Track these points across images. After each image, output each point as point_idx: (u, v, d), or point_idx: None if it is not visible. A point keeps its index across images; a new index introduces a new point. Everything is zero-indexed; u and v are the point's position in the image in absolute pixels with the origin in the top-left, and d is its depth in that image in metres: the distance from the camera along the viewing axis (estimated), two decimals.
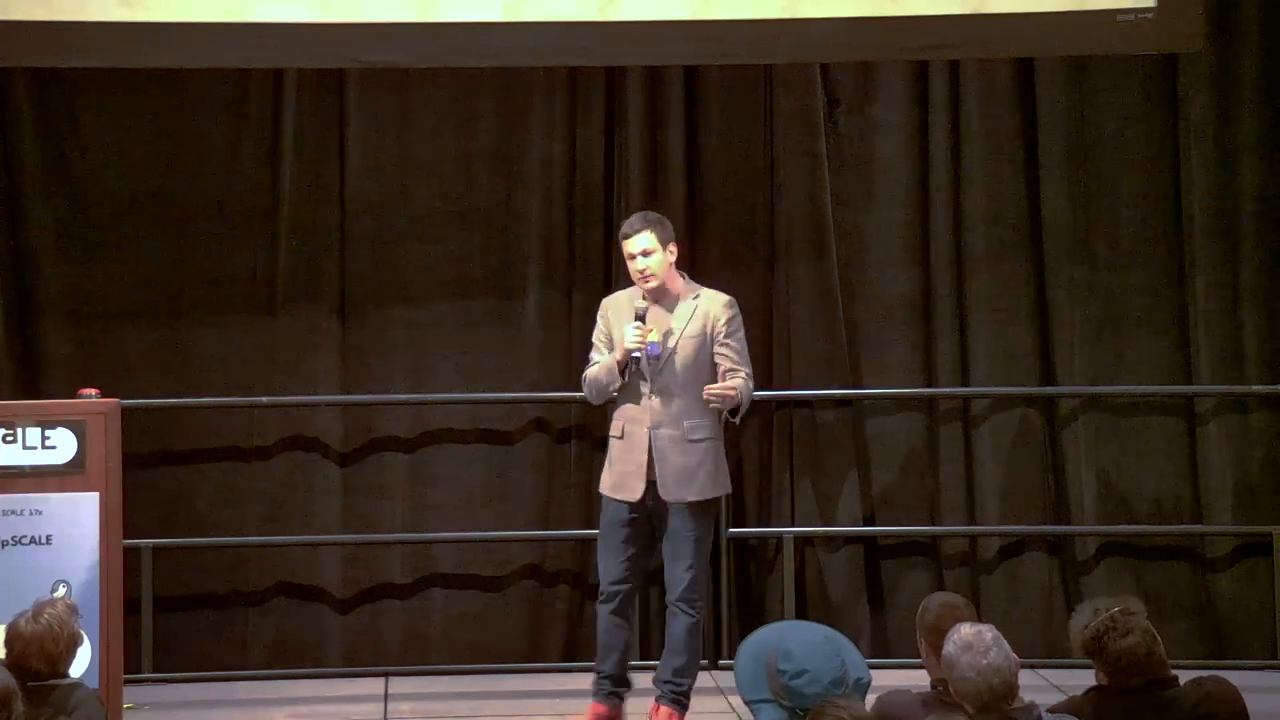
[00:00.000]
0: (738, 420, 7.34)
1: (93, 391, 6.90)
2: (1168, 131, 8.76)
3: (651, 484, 7.12)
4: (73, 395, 7.00)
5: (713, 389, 7.06)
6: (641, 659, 8.19)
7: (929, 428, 8.77)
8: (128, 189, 8.55)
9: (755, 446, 8.71)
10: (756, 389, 7.57)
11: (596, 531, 7.42)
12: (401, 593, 8.60)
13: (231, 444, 8.57)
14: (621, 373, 7.14)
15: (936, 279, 8.75)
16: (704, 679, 7.56)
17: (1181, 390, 8.74)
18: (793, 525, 8.62)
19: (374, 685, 8.20)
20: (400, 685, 8.20)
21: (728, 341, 7.17)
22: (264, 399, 8.50)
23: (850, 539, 8.68)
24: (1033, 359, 8.78)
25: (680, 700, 7.21)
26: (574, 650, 8.45)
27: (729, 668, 7.13)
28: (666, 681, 7.20)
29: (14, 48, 7.97)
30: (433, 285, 8.67)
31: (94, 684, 6.39)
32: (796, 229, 8.73)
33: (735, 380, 7.11)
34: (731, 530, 8.47)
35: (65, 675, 5.64)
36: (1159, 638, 5.10)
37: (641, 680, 7.49)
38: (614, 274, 8.36)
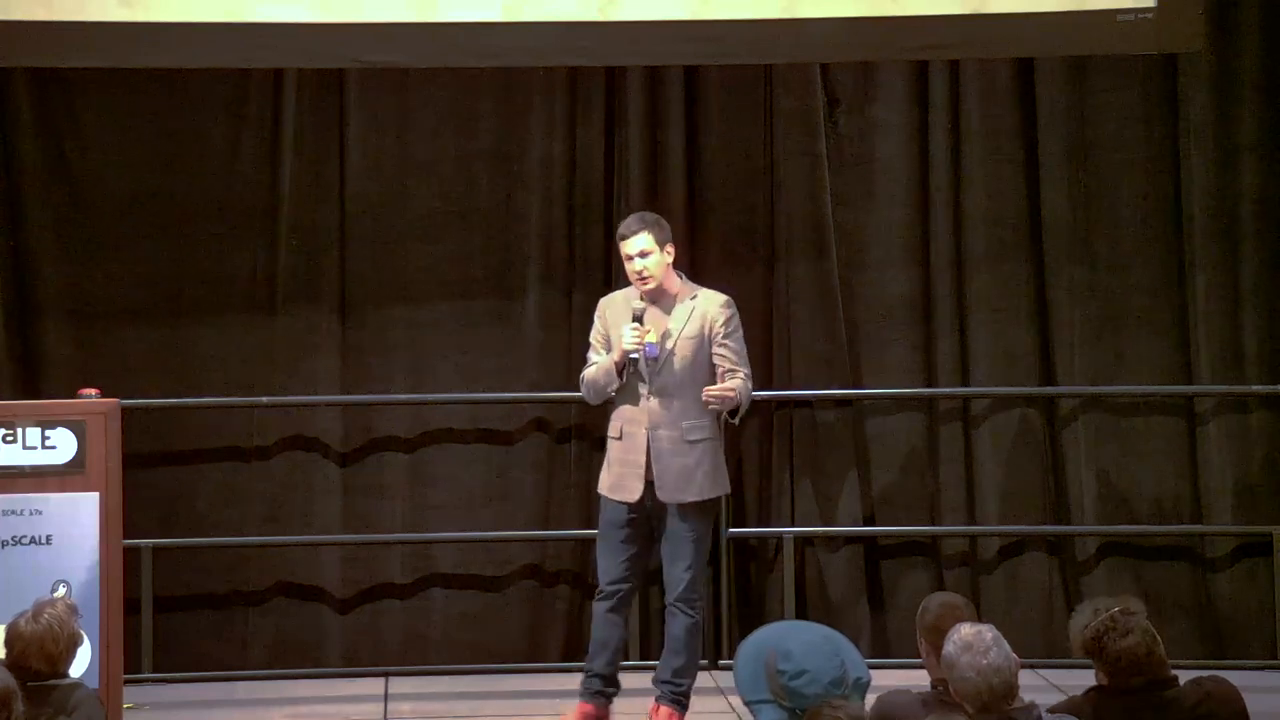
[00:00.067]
0: (737, 421, 7.34)
1: (93, 391, 6.90)
2: (1168, 131, 8.76)
3: (650, 485, 7.12)
4: (73, 395, 7.00)
5: (711, 391, 7.06)
6: (641, 659, 8.21)
7: (929, 428, 8.77)
8: (128, 189, 8.55)
9: (755, 446, 8.71)
10: (756, 389, 7.58)
11: (596, 532, 7.42)
12: (401, 593, 8.60)
13: (231, 444, 8.57)
14: (619, 374, 7.14)
15: (936, 279, 8.75)
16: (704, 679, 7.57)
17: (1181, 390, 8.74)
18: (793, 525, 8.63)
19: (374, 685, 8.20)
20: (400, 685, 8.20)
21: (726, 342, 7.17)
22: (264, 399, 8.50)
23: (850, 539, 8.68)
24: (1033, 359, 8.78)
25: (680, 700, 7.21)
26: (574, 650, 8.44)
27: (729, 668, 7.13)
28: (666, 682, 7.20)
29: (14, 48, 7.97)
30: (433, 285, 8.67)
31: (94, 684, 6.39)
32: (796, 229, 8.73)
33: (734, 381, 7.11)
34: (731, 530, 8.47)
35: (65, 675, 5.63)
36: (1159, 638, 5.10)
37: (641, 680, 7.49)
38: (614, 274, 8.36)
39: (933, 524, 8.74)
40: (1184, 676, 5.17)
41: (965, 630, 4.72)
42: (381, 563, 8.61)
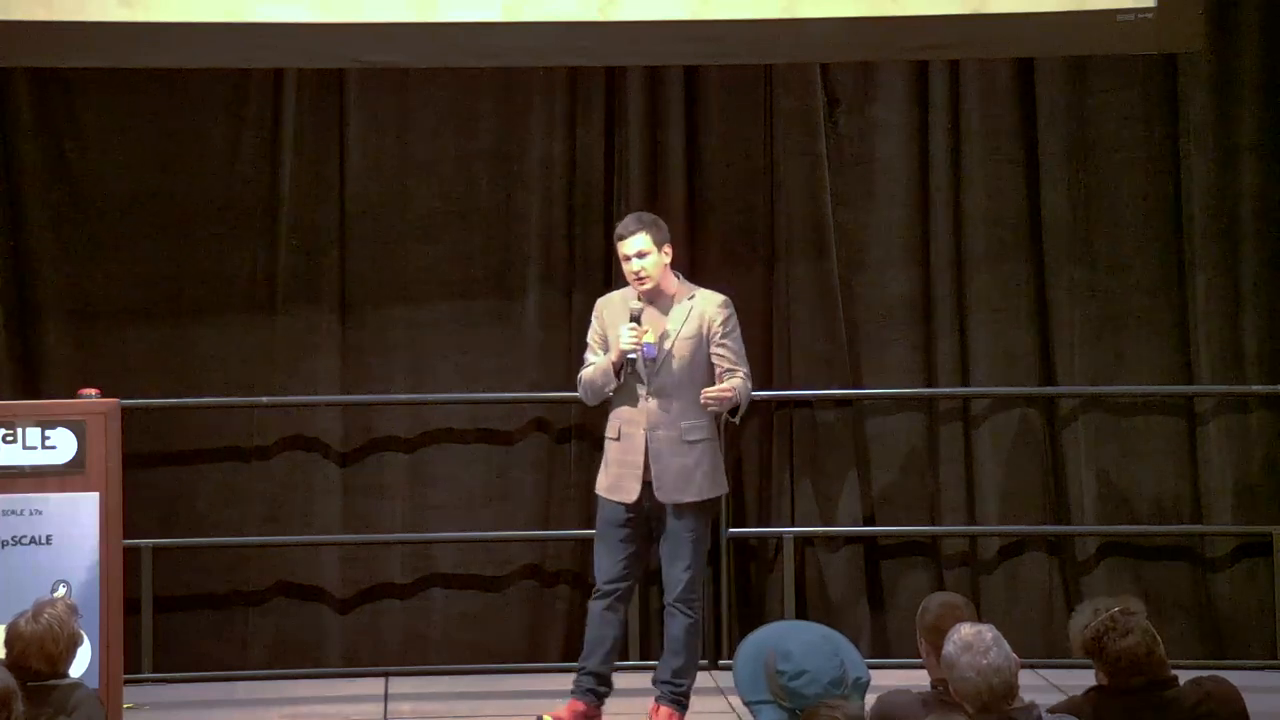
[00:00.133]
0: (738, 420, 7.34)
1: (93, 391, 6.90)
2: (1168, 131, 8.76)
3: (648, 485, 7.11)
4: (73, 395, 6.99)
5: (709, 392, 7.06)
6: (641, 659, 8.21)
7: (929, 428, 8.77)
8: (128, 189, 8.55)
9: (755, 446, 8.71)
10: (756, 389, 7.58)
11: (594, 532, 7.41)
12: (401, 593, 8.60)
13: (231, 444, 8.57)
14: (617, 374, 7.14)
15: (936, 279, 8.75)
16: (704, 679, 7.57)
17: (1181, 390, 8.74)
18: (793, 525, 8.62)
19: (374, 685, 8.20)
20: (400, 685, 8.20)
21: (724, 342, 7.17)
22: (264, 399, 8.50)
23: (850, 539, 8.68)
24: (1033, 359, 8.78)
25: (680, 700, 7.21)
26: (574, 650, 8.40)
27: (729, 668, 7.10)
28: (666, 682, 7.20)
29: (14, 48, 7.97)
30: (433, 285, 8.67)
31: (94, 684, 6.38)
32: (796, 229, 8.73)
33: (733, 381, 7.11)
34: (731, 530, 8.47)
35: (65, 675, 5.63)
36: (1159, 638, 5.10)
37: (641, 680, 7.49)
38: (614, 274, 8.35)
39: (933, 524, 8.73)
40: (1184, 676, 5.17)
41: (965, 630, 4.72)
42: (381, 563, 8.61)
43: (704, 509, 7.21)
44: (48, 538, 6.70)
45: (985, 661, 4.64)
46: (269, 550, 8.54)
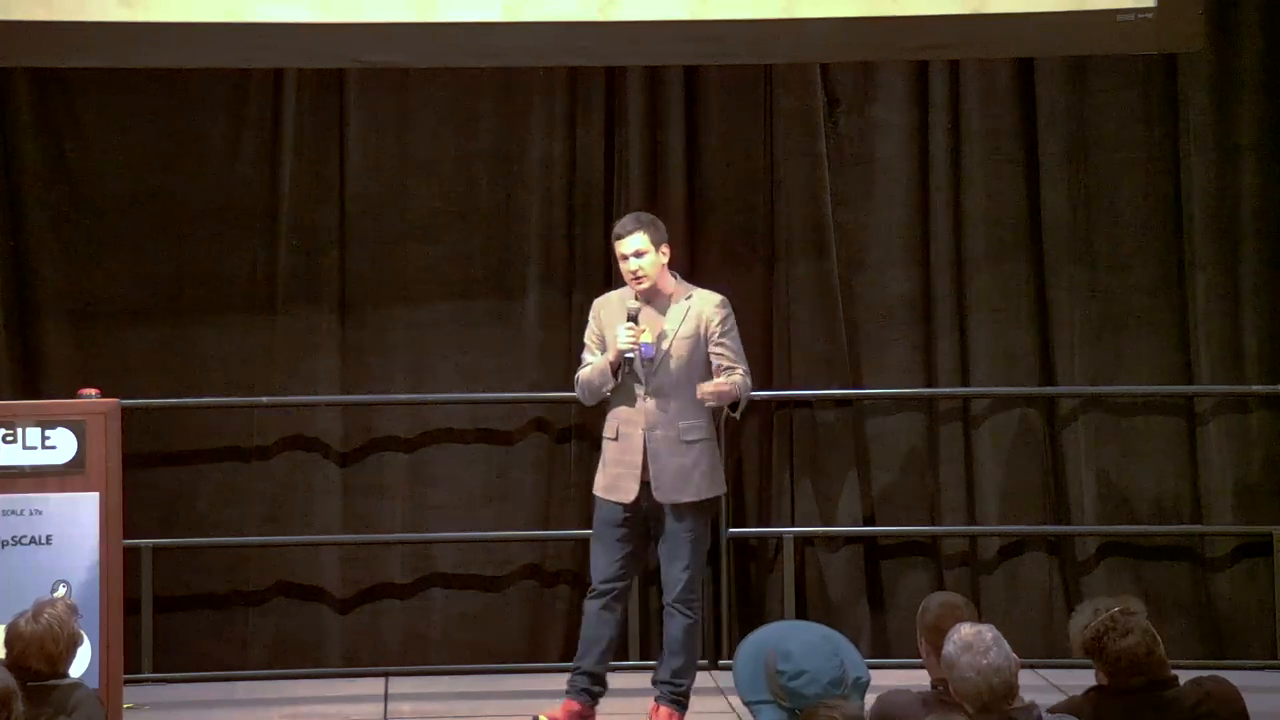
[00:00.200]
0: (739, 415, 7.33)
1: (93, 391, 6.90)
2: (1168, 131, 8.76)
3: (646, 485, 7.11)
4: (73, 395, 7.00)
5: (705, 387, 7.05)
6: (641, 659, 8.21)
7: (929, 428, 8.77)
8: (128, 189, 8.55)
9: (755, 446, 8.71)
10: (756, 389, 7.59)
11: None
12: (401, 593, 8.60)
13: (231, 444, 8.57)
14: (614, 374, 7.14)
15: (936, 279, 8.75)
16: (704, 679, 7.57)
17: (1181, 390, 8.74)
18: (793, 525, 8.62)
19: (374, 685, 8.20)
20: (400, 685, 8.20)
21: (723, 341, 7.17)
22: (264, 399, 8.50)
23: (850, 539, 8.68)
24: (1033, 359, 8.78)
25: (679, 700, 7.20)
26: (574, 650, 8.38)
27: (729, 668, 7.11)
28: (665, 682, 7.20)
29: (14, 48, 7.97)
30: (433, 285, 8.67)
31: (94, 684, 6.39)
32: (796, 229, 8.73)
33: (732, 377, 7.11)
34: (731, 530, 8.47)
35: (65, 675, 5.63)
36: (1159, 638, 5.10)
37: (641, 680, 7.49)
38: (614, 274, 8.33)
39: (933, 524, 8.73)
40: (1184, 676, 5.17)
41: (965, 630, 4.72)
42: (381, 563, 8.61)
43: (702, 509, 7.20)
44: (48, 538, 6.70)
45: (985, 661, 4.64)
46: (269, 550, 8.54)
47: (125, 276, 8.55)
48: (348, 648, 8.55)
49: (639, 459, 7.11)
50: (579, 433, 8.57)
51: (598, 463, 7.36)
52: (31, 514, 6.69)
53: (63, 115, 8.53)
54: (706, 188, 8.74)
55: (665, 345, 7.12)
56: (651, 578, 7.84)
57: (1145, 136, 8.77)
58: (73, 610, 5.70)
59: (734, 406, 7.20)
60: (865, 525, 8.70)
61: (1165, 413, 8.77)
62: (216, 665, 8.40)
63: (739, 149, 8.74)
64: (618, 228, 7.27)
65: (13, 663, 5.47)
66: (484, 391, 8.61)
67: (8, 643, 5.63)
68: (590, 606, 7.25)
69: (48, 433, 6.71)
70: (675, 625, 7.17)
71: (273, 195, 8.60)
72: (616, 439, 7.19)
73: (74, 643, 5.66)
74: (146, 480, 8.22)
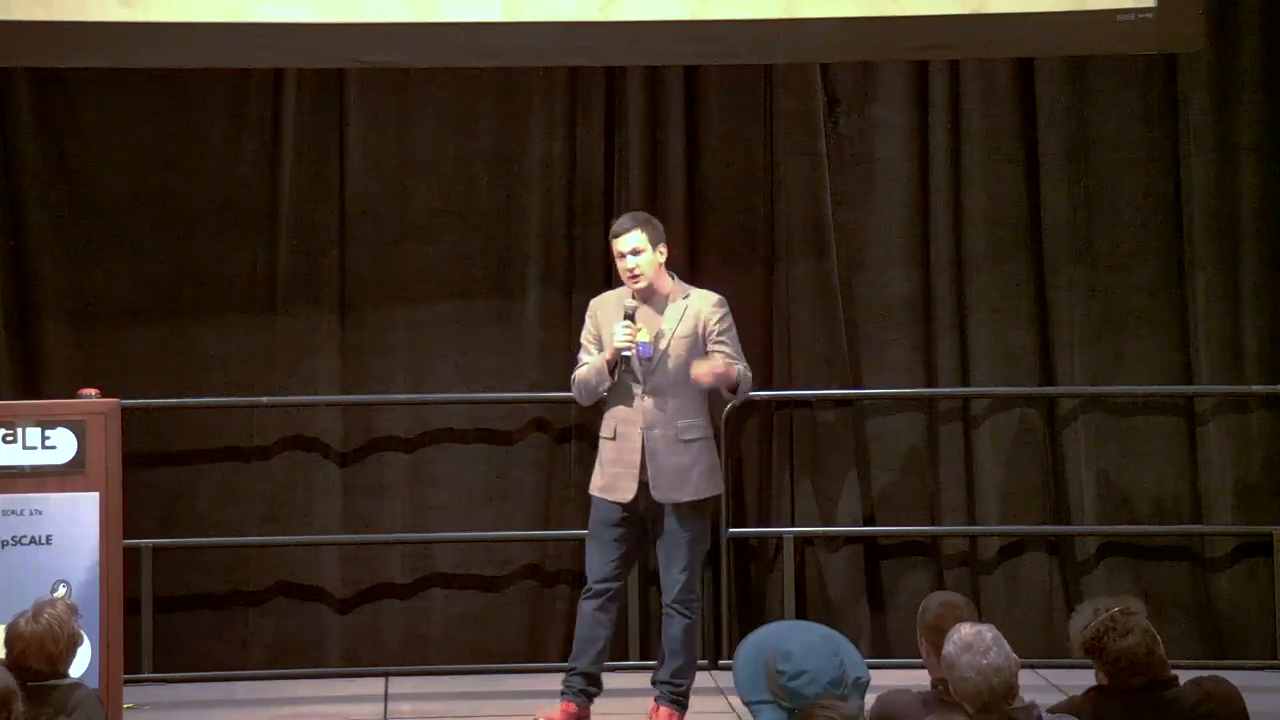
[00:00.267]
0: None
1: (93, 391, 6.90)
2: (1168, 131, 8.76)
3: (644, 485, 7.11)
4: (73, 395, 7.00)
5: (701, 364, 7.03)
6: (641, 659, 8.21)
7: (929, 428, 8.77)
8: (128, 189, 8.56)
9: (755, 446, 8.71)
10: (756, 389, 7.59)
11: None
12: (401, 593, 8.60)
13: (231, 444, 8.57)
14: (611, 372, 7.13)
15: (936, 279, 8.75)
16: (704, 679, 7.56)
17: (1181, 390, 8.74)
18: (793, 525, 8.62)
19: (374, 685, 8.20)
20: (400, 685, 8.20)
21: (722, 339, 7.17)
22: (264, 399, 8.50)
23: (850, 539, 8.68)
24: (1033, 359, 8.78)
25: (679, 701, 7.20)
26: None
27: (729, 668, 7.13)
28: (665, 683, 7.20)
29: (14, 48, 7.97)
30: (433, 285, 8.67)
31: (94, 684, 6.39)
32: (796, 229, 8.73)
33: (736, 367, 7.10)
34: (731, 530, 8.47)
35: (65, 675, 5.64)
36: (1159, 638, 5.10)
37: (641, 680, 7.49)
38: (614, 274, 8.34)
39: (933, 524, 8.73)
40: (1184, 676, 5.17)
41: (965, 630, 4.72)
42: (381, 563, 8.61)
43: (700, 509, 7.20)
44: (48, 538, 6.70)
45: (985, 661, 4.64)
46: (269, 550, 8.54)
47: (125, 276, 8.55)
48: (348, 648, 8.55)
49: (637, 458, 7.11)
50: (579, 433, 8.57)
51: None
52: (31, 514, 6.69)
53: (63, 115, 8.53)
54: (706, 188, 8.74)
55: (663, 344, 7.12)
56: (651, 578, 7.84)
57: (1145, 136, 8.77)
58: (73, 610, 5.70)
59: (733, 390, 7.16)
60: (865, 525, 8.70)
61: (1165, 413, 8.77)
62: (216, 665, 8.40)
63: (739, 149, 8.74)
64: (615, 226, 7.28)
65: (13, 663, 5.47)
66: (484, 391, 8.61)
67: (8, 643, 5.63)
68: (585, 607, 7.24)
69: (48, 433, 6.71)
70: (674, 626, 7.17)
71: (273, 195, 8.60)
72: (614, 438, 7.18)
73: (74, 643, 5.66)
74: (146, 480, 8.22)
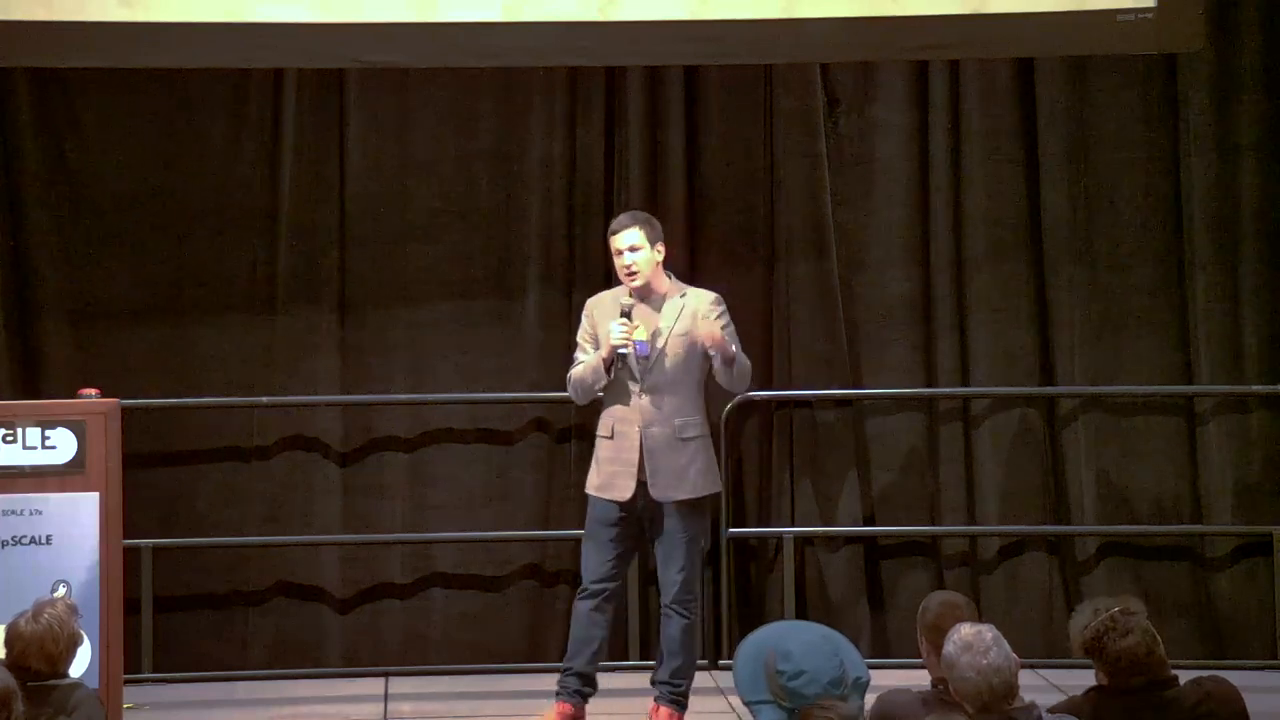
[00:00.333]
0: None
1: (93, 391, 6.90)
2: (1168, 131, 8.76)
3: (642, 484, 7.10)
4: (73, 395, 7.00)
5: (705, 325, 7.00)
6: (641, 659, 8.21)
7: (929, 428, 8.77)
8: (128, 189, 8.56)
9: (755, 446, 8.71)
10: (756, 389, 7.61)
11: None
12: (401, 593, 8.60)
13: (231, 444, 8.57)
14: (607, 370, 7.13)
15: (936, 279, 8.76)
16: (704, 679, 7.56)
17: (1181, 390, 8.74)
18: (793, 525, 8.62)
19: (374, 685, 8.20)
20: (400, 685, 8.20)
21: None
22: (264, 399, 8.50)
23: (850, 539, 8.68)
24: (1033, 359, 8.78)
25: (679, 701, 7.20)
26: None
27: (729, 668, 7.13)
28: (664, 683, 7.19)
29: (14, 48, 7.97)
30: (433, 285, 8.67)
31: (94, 684, 6.39)
32: (796, 229, 8.73)
33: (733, 346, 7.09)
34: (731, 530, 8.47)
35: (65, 675, 5.64)
36: (1159, 638, 5.10)
37: (641, 680, 7.49)
38: (614, 274, 8.34)
39: (933, 524, 8.73)
40: (1184, 676, 5.17)
41: (965, 630, 4.72)
42: (381, 563, 8.61)
43: (698, 507, 7.20)
44: (48, 538, 6.70)
45: (985, 661, 4.63)
46: (269, 550, 8.54)
47: (125, 276, 8.55)
48: (348, 648, 8.55)
49: (635, 456, 7.10)
50: (579, 433, 8.56)
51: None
52: (31, 514, 6.69)
53: (63, 115, 8.53)
54: (706, 188, 8.74)
55: (660, 342, 7.12)
56: (651, 578, 7.84)
57: (1145, 136, 8.77)
58: (73, 610, 5.70)
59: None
60: (865, 525, 8.70)
61: (1165, 413, 8.77)
62: (216, 665, 8.40)
63: (739, 149, 8.74)
64: (614, 223, 7.29)
65: (13, 663, 5.47)
66: (484, 391, 8.61)
67: (8, 643, 5.63)
68: (581, 607, 7.23)
69: (48, 433, 6.71)
70: (673, 626, 7.16)
71: (273, 195, 8.60)
72: (612, 437, 7.18)
73: (74, 643, 5.66)
74: (146, 480, 8.23)
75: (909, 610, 6.12)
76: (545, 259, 8.68)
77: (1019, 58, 8.67)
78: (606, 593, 7.20)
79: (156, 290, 8.56)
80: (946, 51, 8.42)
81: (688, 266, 8.03)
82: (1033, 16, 8.11)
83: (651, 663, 7.60)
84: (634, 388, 7.12)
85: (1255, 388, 8.63)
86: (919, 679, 5.49)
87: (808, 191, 8.72)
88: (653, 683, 7.26)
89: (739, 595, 8.58)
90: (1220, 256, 8.71)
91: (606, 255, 8.37)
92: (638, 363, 7.10)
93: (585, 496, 7.34)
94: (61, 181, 8.53)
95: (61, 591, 6.58)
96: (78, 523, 6.69)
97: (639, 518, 7.17)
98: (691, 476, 7.12)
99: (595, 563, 7.21)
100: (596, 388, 7.19)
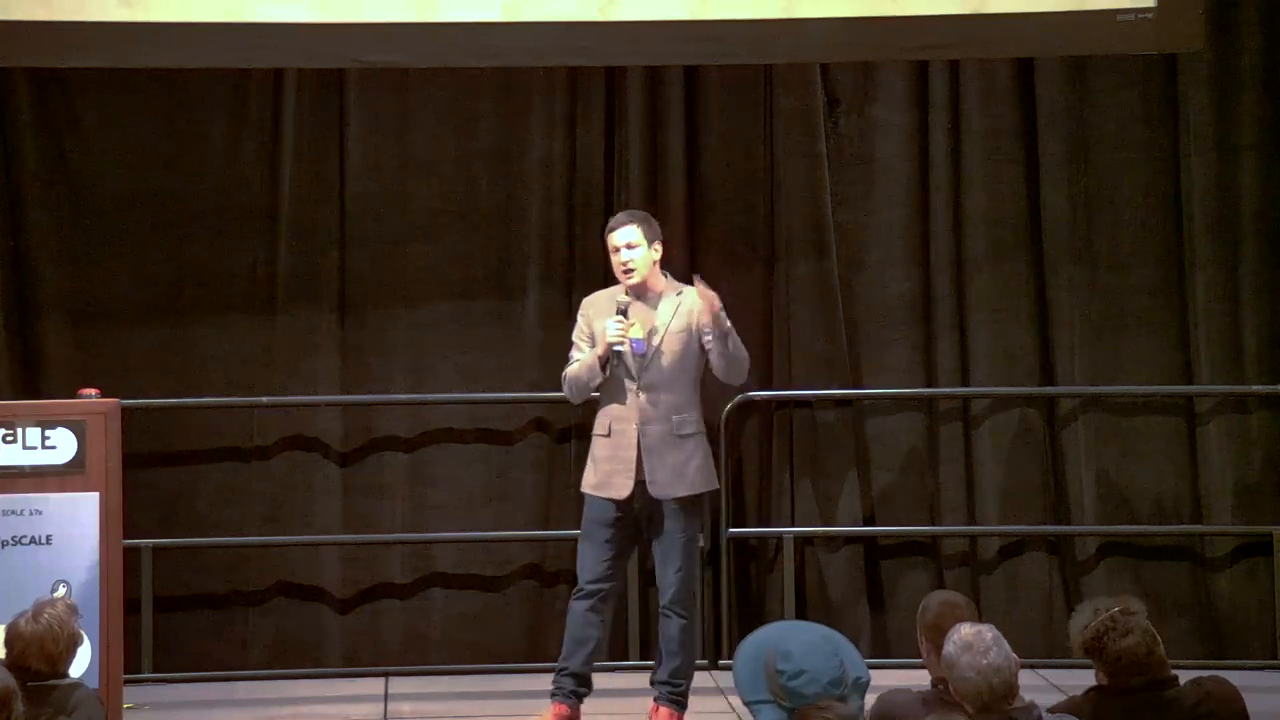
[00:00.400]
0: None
1: (93, 391, 6.90)
2: (1168, 131, 8.76)
3: (640, 483, 7.10)
4: (73, 395, 7.00)
5: (700, 295, 6.99)
6: (641, 659, 8.21)
7: (929, 428, 8.77)
8: (128, 189, 8.56)
9: (755, 446, 8.71)
10: (756, 388, 7.60)
11: None
12: (401, 593, 8.60)
13: (231, 444, 8.57)
14: (603, 368, 7.13)
15: (936, 279, 8.76)
16: (704, 679, 7.56)
17: (1181, 390, 8.74)
18: (793, 525, 8.62)
19: (374, 685, 8.20)
20: (400, 685, 8.20)
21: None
22: (264, 399, 8.50)
23: (850, 539, 8.68)
24: (1033, 359, 8.78)
25: (679, 701, 7.20)
26: None
27: (729, 668, 7.13)
28: (664, 683, 7.19)
29: (14, 48, 7.97)
30: (433, 285, 8.67)
31: (94, 684, 6.38)
32: (796, 229, 8.73)
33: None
34: (731, 530, 8.47)
35: (65, 675, 5.63)
36: (1159, 638, 5.10)
37: (641, 680, 7.49)
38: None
39: (933, 524, 8.73)
40: (1184, 676, 5.16)
41: (965, 630, 4.72)
42: (381, 563, 8.61)
43: (696, 505, 7.20)
44: (48, 538, 6.70)
45: (985, 661, 4.63)
46: (269, 550, 8.54)
47: (125, 276, 8.55)
48: (348, 648, 8.55)
49: (633, 455, 7.10)
50: (579, 433, 8.56)
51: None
52: (31, 514, 6.69)
53: (63, 115, 8.53)
54: (706, 188, 8.74)
55: (656, 341, 7.12)
56: (650, 578, 7.83)
57: (1145, 136, 8.77)
58: (73, 610, 5.70)
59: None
60: (865, 525, 8.70)
61: (1165, 413, 8.77)
62: (216, 665, 8.40)
63: (739, 149, 8.75)
64: (611, 221, 7.30)
65: (13, 663, 5.47)
66: (484, 391, 8.61)
67: (8, 643, 5.63)
68: (577, 607, 7.22)
69: (48, 433, 6.71)
70: (671, 627, 7.16)
71: (273, 195, 8.60)
72: (609, 435, 7.17)
73: (74, 643, 5.66)
74: (146, 480, 8.23)
75: (909, 610, 6.12)
76: (545, 259, 8.68)
77: (1019, 58, 8.67)
78: (603, 593, 7.19)
79: (156, 290, 8.56)
80: (946, 51, 8.42)
81: (688, 267, 8.02)
82: (1033, 16, 8.12)
83: (651, 663, 7.59)
84: (630, 386, 7.12)
85: (1255, 388, 8.63)
86: (919, 679, 5.48)
87: (808, 191, 8.72)
88: (652, 683, 7.25)
89: (739, 595, 8.58)
90: (1220, 256, 8.71)
91: (606, 255, 8.37)
92: (634, 361, 7.10)
93: (582, 496, 7.34)
94: (61, 181, 8.54)
95: (61, 591, 6.58)
96: (78, 523, 6.69)
97: (636, 517, 7.16)
98: (690, 473, 7.12)
99: (591, 562, 7.20)
100: (592, 386, 7.19)
